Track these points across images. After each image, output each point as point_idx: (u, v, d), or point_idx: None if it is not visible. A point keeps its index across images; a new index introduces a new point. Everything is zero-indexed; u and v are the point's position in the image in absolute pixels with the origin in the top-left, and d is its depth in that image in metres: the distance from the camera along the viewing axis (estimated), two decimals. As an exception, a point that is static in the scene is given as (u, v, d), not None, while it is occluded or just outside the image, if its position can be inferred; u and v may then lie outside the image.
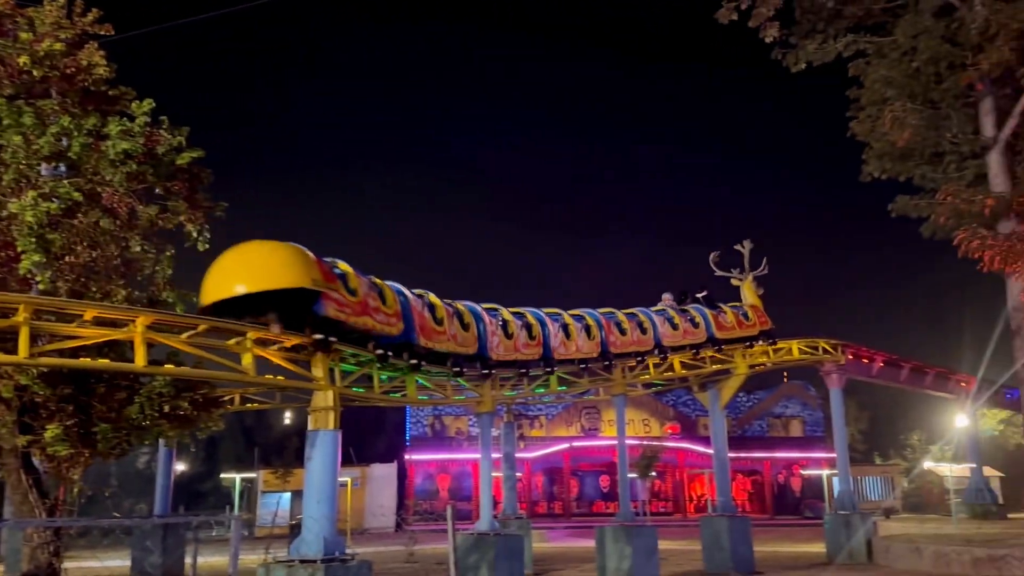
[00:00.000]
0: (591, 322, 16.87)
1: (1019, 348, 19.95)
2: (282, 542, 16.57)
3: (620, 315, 18.01)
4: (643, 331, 18.16)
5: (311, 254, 10.28)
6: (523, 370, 15.47)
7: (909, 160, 21.46)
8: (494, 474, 22.87)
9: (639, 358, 18.29)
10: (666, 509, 45.03)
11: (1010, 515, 30.90)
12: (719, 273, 21.85)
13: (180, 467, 35.08)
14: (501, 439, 21.37)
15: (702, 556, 19.05)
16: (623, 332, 17.66)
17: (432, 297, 13.27)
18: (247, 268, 9.83)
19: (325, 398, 10.86)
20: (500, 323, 14.62)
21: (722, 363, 20.05)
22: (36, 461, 11.68)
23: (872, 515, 23.41)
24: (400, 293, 12.39)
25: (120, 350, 10.40)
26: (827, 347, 22.28)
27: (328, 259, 11.11)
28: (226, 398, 17.94)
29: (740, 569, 18.18)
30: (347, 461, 35.51)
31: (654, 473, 42.89)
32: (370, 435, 42.71)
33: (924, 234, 21.09)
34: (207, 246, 12.08)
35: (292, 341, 10.68)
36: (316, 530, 10.42)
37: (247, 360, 10.14)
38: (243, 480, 38.18)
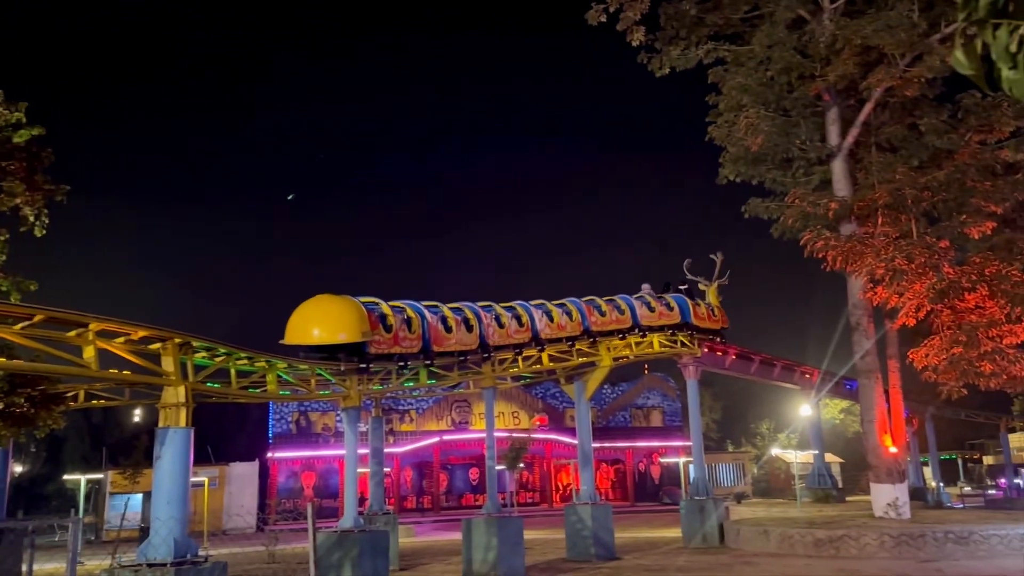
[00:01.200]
0: (522, 312, 18.62)
1: (858, 342, 21.52)
2: (131, 545, 15.67)
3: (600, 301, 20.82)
4: (620, 312, 20.87)
5: (364, 309, 14.04)
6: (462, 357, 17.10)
7: (761, 164, 22.70)
8: (361, 470, 22.57)
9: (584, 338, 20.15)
10: (533, 500, 45.81)
11: (848, 498, 33.37)
12: (690, 277, 24.68)
13: (18, 468, 32.51)
14: (369, 434, 21.02)
15: (565, 544, 19.48)
16: (622, 311, 21.08)
17: (445, 309, 16.68)
18: (320, 323, 13.61)
19: (176, 394, 10.30)
20: (440, 318, 16.47)
21: (588, 356, 20.55)
22: None
23: (724, 500, 24.70)
24: (421, 315, 15.78)
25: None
26: (685, 340, 23.24)
27: (373, 304, 14.71)
28: (69, 394, 16.73)
29: (601, 555, 18.71)
30: (204, 460, 33.98)
31: (522, 465, 43.49)
32: (230, 433, 41.05)
33: (774, 235, 22.35)
34: (45, 232, 11.21)
35: (140, 333, 10.06)
36: (165, 532, 9.87)
37: (89, 353, 9.46)
38: (89, 481, 35.82)
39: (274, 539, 20.11)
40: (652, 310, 22.09)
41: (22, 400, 11.65)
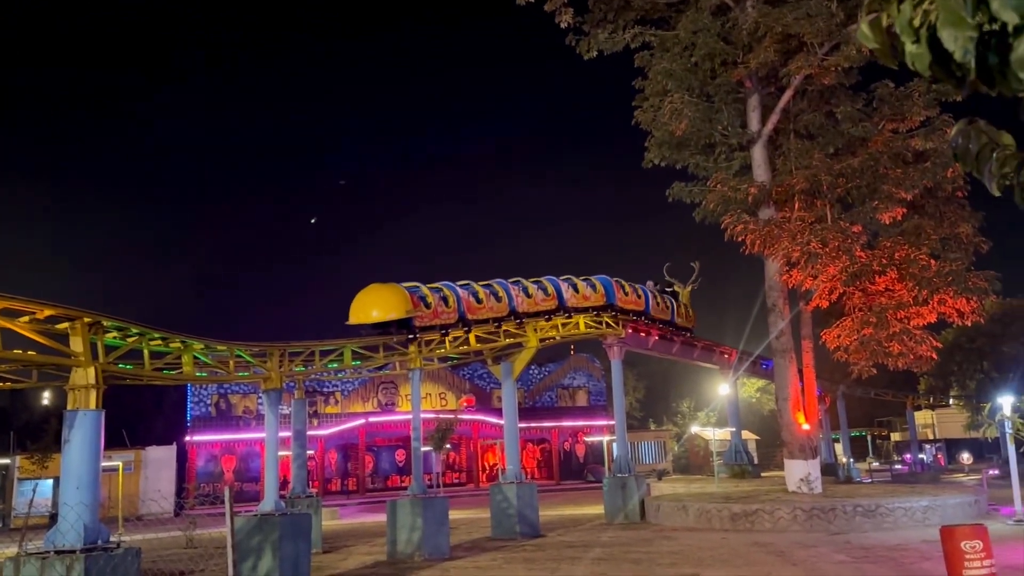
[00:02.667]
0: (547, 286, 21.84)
1: (773, 323, 22.21)
2: (41, 532, 15.03)
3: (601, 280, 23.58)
4: (547, 293, 21.99)
5: (407, 292, 17.34)
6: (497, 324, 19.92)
7: (685, 149, 23.08)
8: (284, 453, 22.20)
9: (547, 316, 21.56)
10: (460, 480, 45.96)
11: (764, 474, 34.56)
12: (667, 279, 28.84)
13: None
14: (292, 416, 20.66)
15: (491, 522, 19.62)
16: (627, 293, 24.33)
17: (476, 285, 19.85)
18: (376, 305, 17.10)
19: (85, 375, 9.89)
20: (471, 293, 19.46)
21: (515, 337, 20.63)
22: None
23: (646, 477, 25.26)
24: (455, 292, 18.95)
25: None
26: (610, 321, 23.57)
27: (414, 287, 17.85)
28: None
29: (526, 532, 18.92)
30: (119, 444, 32.85)
31: (449, 445, 43.53)
32: (147, 416, 39.75)
33: (696, 218, 22.80)
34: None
35: (46, 312, 9.61)
36: (74, 518, 9.51)
37: (-11, 333, 8.99)
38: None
39: (192, 524, 19.61)
40: (578, 291, 22.36)
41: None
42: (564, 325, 22.29)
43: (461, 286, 19.39)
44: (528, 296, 20.90)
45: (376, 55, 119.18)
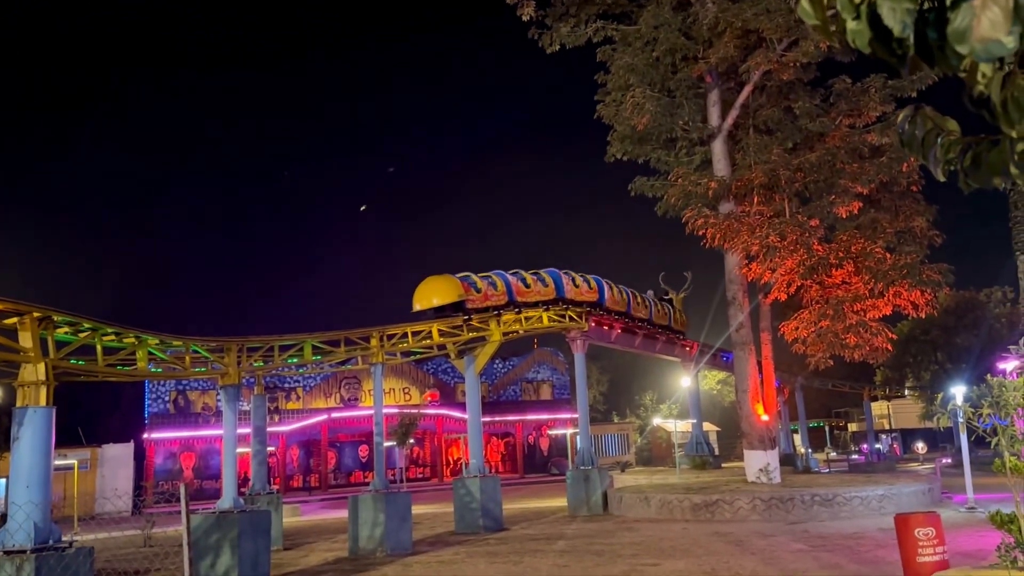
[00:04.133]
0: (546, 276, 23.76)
1: (733, 316, 22.47)
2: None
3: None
4: (495, 288, 22.85)
5: (458, 280, 20.43)
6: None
7: (647, 144, 23.20)
8: (244, 450, 21.90)
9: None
10: (424, 475, 45.81)
11: (724, 464, 34.99)
12: (663, 286, 32.42)
13: None
14: (252, 413, 20.39)
15: (454, 517, 19.58)
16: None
17: (524, 273, 22.87)
18: (435, 293, 20.24)
19: (35, 371, 9.64)
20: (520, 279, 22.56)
21: (478, 331, 20.58)
22: None
23: (609, 469, 25.42)
24: (503, 278, 21.95)
25: None
26: (573, 315, 23.64)
27: (465, 276, 20.86)
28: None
29: (489, 526, 18.91)
30: (75, 441, 32.18)
31: (412, 440, 43.34)
32: (103, 413, 39.01)
33: (658, 212, 22.95)
34: None
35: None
36: (23, 517, 9.28)
37: (-68, 328, 8.71)
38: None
39: (150, 522, 19.28)
40: (528, 286, 22.51)
41: None
42: (527, 319, 22.30)
43: (511, 273, 22.40)
44: (477, 291, 21.19)
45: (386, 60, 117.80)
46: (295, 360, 17.18)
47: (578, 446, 24.19)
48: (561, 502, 23.95)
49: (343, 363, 22.57)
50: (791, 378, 38.79)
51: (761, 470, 21.28)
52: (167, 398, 39.51)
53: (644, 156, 23.44)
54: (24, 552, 9.03)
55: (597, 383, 54.85)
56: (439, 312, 20.12)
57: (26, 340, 9.64)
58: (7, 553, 9.06)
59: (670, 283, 32.92)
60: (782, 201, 21.29)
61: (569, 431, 47.32)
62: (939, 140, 1.78)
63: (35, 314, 9.74)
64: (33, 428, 9.64)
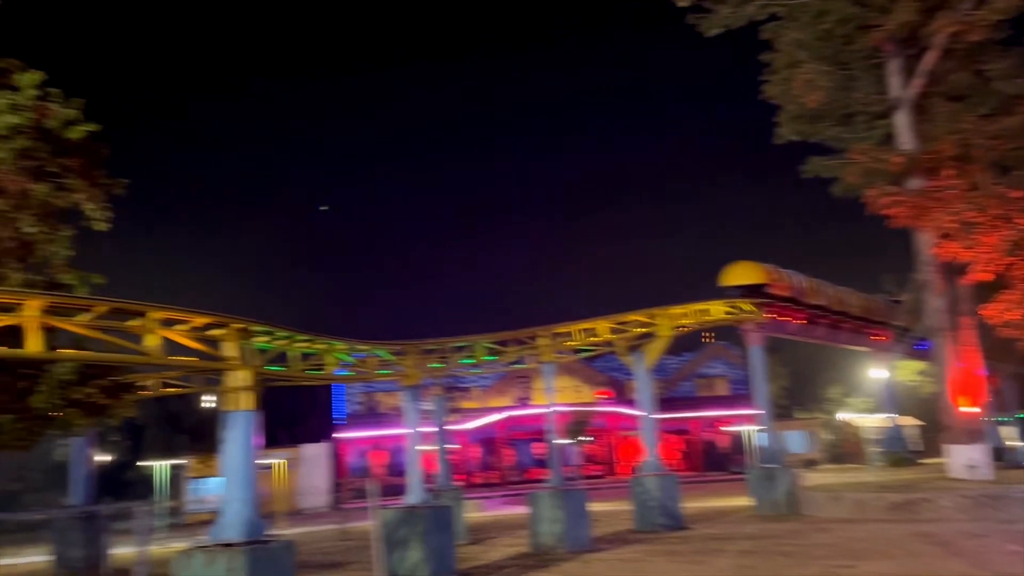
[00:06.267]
0: None
1: (928, 300, 20.78)
2: (208, 528, 16.16)
3: None
4: None
5: (764, 268, 23.38)
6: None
7: (821, 122, 21.97)
8: (426, 447, 22.84)
9: None
10: (599, 472, 45.78)
11: (927, 460, 32.40)
12: (888, 287, 32.43)
13: (103, 457, 33.85)
14: (433, 412, 21.25)
15: (633, 515, 19.40)
16: None
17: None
18: (742, 273, 23.04)
19: (240, 378, 10.51)
20: None
21: (646, 327, 20.29)
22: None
23: (794, 468, 24.23)
24: (793, 275, 24.67)
25: (21, 337, 9.82)
26: (747, 307, 22.78)
27: (771, 267, 23.53)
28: (145, 383, 17.31)
29: (669, 525, 18.58)
30: (278, 442, 34.93)
31: (585, 438, 43.51)
32: (301, 415, 42.06)
33: (835, 193, 21.65)
34: (108, 225, 11.47)
35: (200, 320, 10.27)
36: (234, 513, 10.14)
37: (151, 341, 9.69)
38: (168, 467, 37.20)
39: (345, 517, 20.56)
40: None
41: (94, 390, 12.04)
42: (698, 312, 21.71)
43: (804, 276, 25.13)
44: None
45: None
46: (469, 361, 17.67)
47: (761, 443, 23.29)
48: (743, 501, 23.12)
49: (514, 363, 22.97)
50: (1000, 365, 35.27)
51: (967, 466, 19.51)
52: (357, 400, 42.08)
53: (818, 135, 22.22)
54: (236, 545, 9.84)
55: (777, 376, 52.45)
56: (741, 290, 22.74)
57: (230, 349, 10.53)
58: (222, 546, 9.91)
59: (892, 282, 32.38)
60: (978, 173, 19.43)
61: (748, 428, 45.69)
62: None
63: (237, 325, 10.62)
64: (239, 430, 10.51)
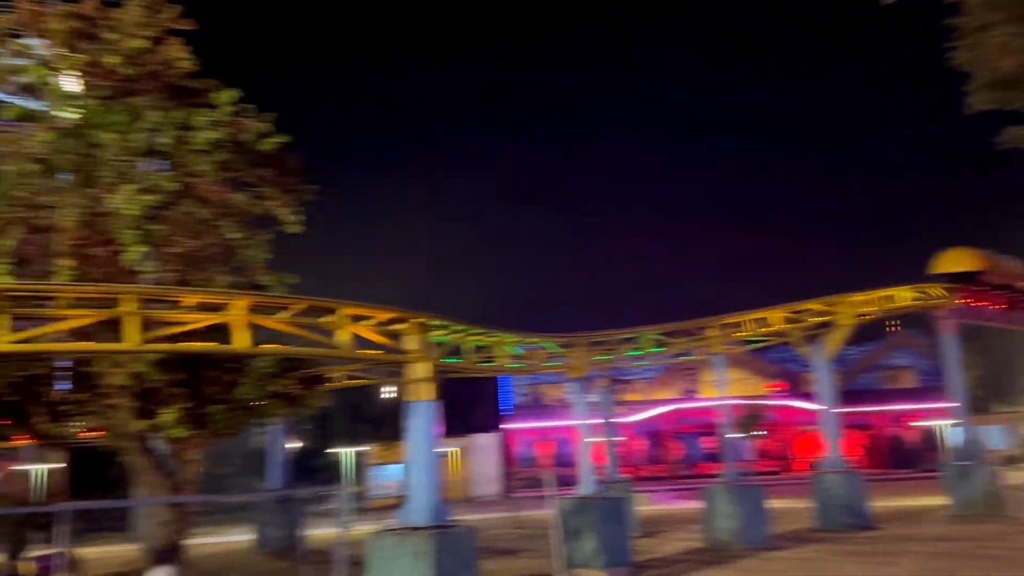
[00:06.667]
0: None
1: None
2: (392, 513, 17.06)
3: None
4: None
5: (978, 254, 22.06)
6: None
7: (1019, 87, 19.97)
8: (594, 439, 22.94)
9: None
10: (773, 468, 44.08)
11: None
12: None
13: (295, 444, 36.56)
14: (599, 404, 21.30)
15: (814, 513, 18.55)
16: None
17: None
18: (956, 260, 21.85)
19: (422, 369, 11.01)
20: None
21: (824, 316, 19.31)
22: (158, 444, 12.31)
23: (993, 465, 22.29)
24: (1010, 260, 23.26)
25: (226, 334, 10.78)
26: (937, 292, 21.16)
27: (989, 252, 22.31)
28: (332, 375, 18.52)
29: (854, 524, 17.61)
30: (449, 432, 36.25)
31: (758, 432, 42.05)
32: (469, 407, 43.35)
33: (1040, 166, 19.65)
34: (301, 228, 12.35)
35: (384, 315, 10.85)
36: (421, 498, 10.65)
37: (343, 336, 10.36)
38: (352, 454, 39.55)
39: (516, 506, 21.04)
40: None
41: (291, 382, 13.03)
42: (882, 299, 20.40)
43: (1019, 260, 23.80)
44: None
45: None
46: (639, 352, 17.55)
47: (953, 438, 21.59)
48: (935, 500, 21.52)
49: (681, 354, 22.55)
50: None
51: None
52: (523, 392, 42.91)
53: (1016, 102, 20.22)
54: (424, 529, 10.33)
55: (971, 367, 48.38)
56: (954, 277, 21.94)
57: (412, 343, 11.06)
58: (411, 530, 10.44)
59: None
60: None
61: (940, 422, 42.45)
62: None
63: (417, 320, 11.14)
64: (422, 419, 11.02)
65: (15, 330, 8.40)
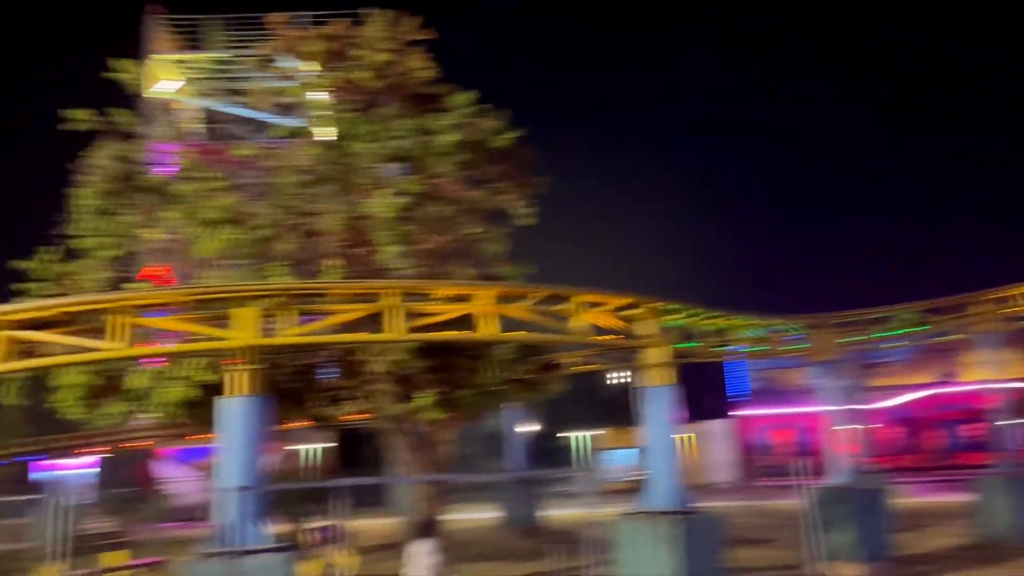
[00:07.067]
0: None
1: None
2: (623, 496, 17.15)
3: None
4: None
5: None
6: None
7: None
8: (840, 427, 21.63)
9: None
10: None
11: None
12: None
13: (531, 428, 37.96)
14: (844, 390, 20.00)
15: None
16: None
17: None
18: None
19: (658, 354, 10.98)
20: None
21: None
22: (415, 426, 13.32)
23: None
24: None
25: (469, 324, 11.42)
26: None
27: None
28: (567, 361, 18.99)
29: None
30: (683, 418, 35.82)
31: (1034, 419, 37.35)
32: (700, 392, 42.47)
33: None
34: (534, 220, 12.78)
35: (618, 301, 10.94)
36: (664, 483, 10.65)
37: (579, 322, 10.58)
38: (583, 438, 40.29)
39: (755, 495, 20.36)
40: None
41: (530, 368, 13.54)
42: None
43: None
44: None
45: None
46: (897, 331, 16.29)
47: None
48: None
49: (941, 334, 20.57)
50: None
51: None
52: (756, 377, 41.34)
53: None
54: (673, 513, 10.30)
55: None
56: None
57: (648, 328, 11.05)
58: (658, 513, 10.42)
59: None
60: None
61: None
62: None
63: (651, 305, 11.13)
64: (660, 404, 11.00)
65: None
